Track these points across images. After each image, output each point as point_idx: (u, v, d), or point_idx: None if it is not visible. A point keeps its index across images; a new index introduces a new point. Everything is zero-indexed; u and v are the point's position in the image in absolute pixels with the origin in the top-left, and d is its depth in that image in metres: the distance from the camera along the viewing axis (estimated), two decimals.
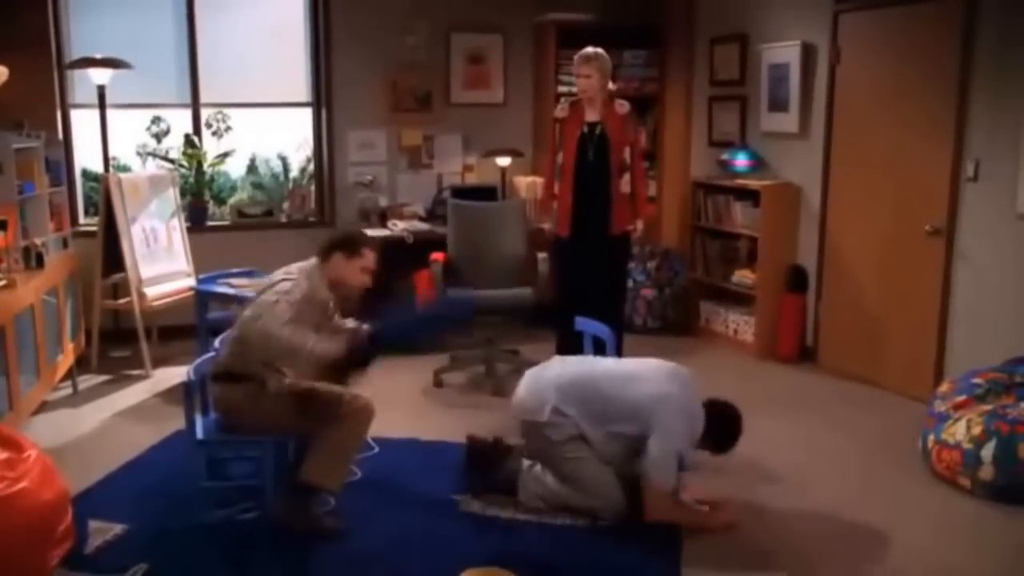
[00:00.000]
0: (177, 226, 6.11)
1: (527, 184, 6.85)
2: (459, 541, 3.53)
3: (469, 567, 3.24)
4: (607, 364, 4.00)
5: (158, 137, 6.53)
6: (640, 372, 3.77)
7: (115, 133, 6.04)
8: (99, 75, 5.75)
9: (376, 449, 4.38)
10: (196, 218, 6.45)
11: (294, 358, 3.57)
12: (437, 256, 5.58)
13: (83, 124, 6.20)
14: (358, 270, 3.78)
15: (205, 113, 6.56)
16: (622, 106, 5.20)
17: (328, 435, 3.56)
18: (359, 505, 3.80)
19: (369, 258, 3.81)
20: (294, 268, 3.75)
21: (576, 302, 5.01)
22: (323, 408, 3.57)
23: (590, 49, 5.09)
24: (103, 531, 3.56)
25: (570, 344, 4.84)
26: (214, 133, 6.61)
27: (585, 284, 5.17)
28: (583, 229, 5.15)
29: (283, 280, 3.64)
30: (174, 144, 6.52)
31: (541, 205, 5.54)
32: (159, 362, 5.77)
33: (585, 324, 4.60)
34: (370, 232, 6.08)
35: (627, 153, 5.18)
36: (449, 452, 4.39)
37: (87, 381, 5.51)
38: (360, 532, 3.58)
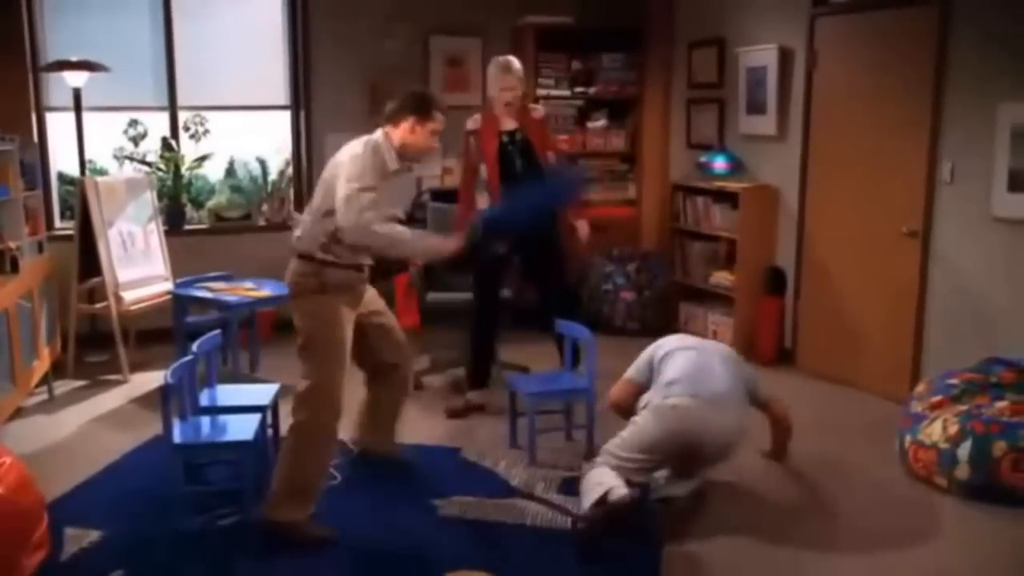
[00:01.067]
0: (154, 230, 6.06)
1: None
2: (440, 544, 3.52)
3: (450, 570, 3.24)
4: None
5: (135, 140, 6.47)
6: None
7: (92, 136, 5.98)
8: (75, 78, 5.70)
9: (356, 453, 4.37)
10: (173, 222, 6.40)
11: (394, 252, 3.64)
12: None
13: (59, 127, 6.15)
14: (428, 134, 3.69)
15: (183, 116, 6.52)
16: (537, 111, 5.12)
17: (284, 468, 3.51)
18: (338, 509, 3.79)
19: (440, 121, 3.71)
20: (358, 145, 3.61)
21: (493, 316, 5.07)
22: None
23: (510, 58, 4.96)
24: (79, 538, 3.53)
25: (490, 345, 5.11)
26: (192, 136, 6.57)
27: (531, 290, 5.23)
28: (519, 241, 4.81)
29: (350, 163, 3.53)
30: (151, 147, 6.47)
31: (456, 221, 5.05)
32: (136, 367, 5.72)
33: (567, 327, 4.59)
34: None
35: (551, 158, 5.06)
36: (428, 455, 4.40)
37: (63, 386, 5.46)
38: (341, 537, 3.56)
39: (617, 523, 3.44)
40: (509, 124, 4.98)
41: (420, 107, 3.67)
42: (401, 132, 3.68)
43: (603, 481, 3.52)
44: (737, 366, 4.01)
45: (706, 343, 4.24)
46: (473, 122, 5.06)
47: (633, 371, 4.12)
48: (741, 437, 3.87)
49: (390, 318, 4.05)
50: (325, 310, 3.58)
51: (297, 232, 3.68)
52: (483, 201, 5.02)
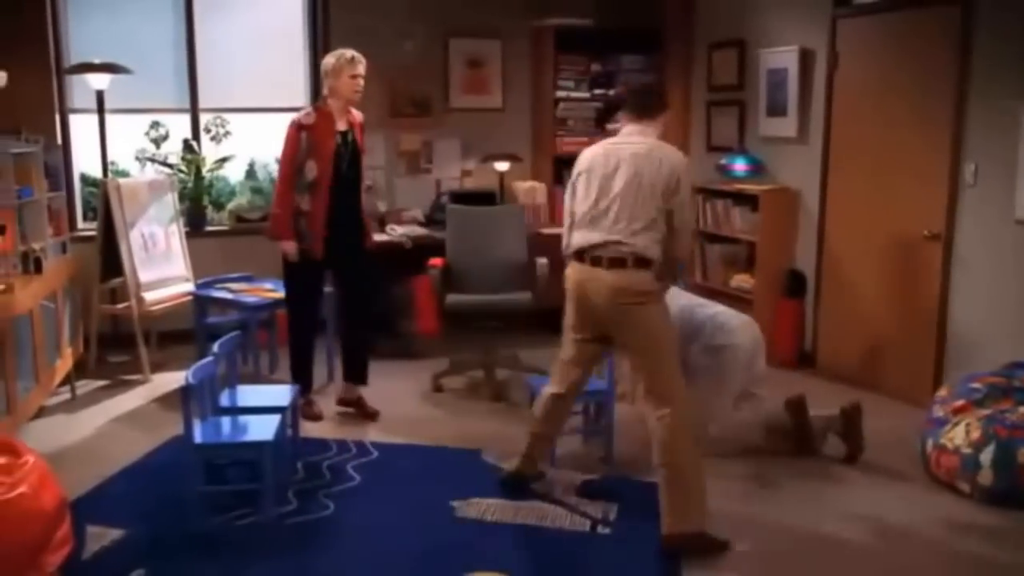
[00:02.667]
0: (176, 231, 6.10)
1: (526, 189, 6.86)
2: (459, 546, 3.52)
3: (469, 572, 3.24)
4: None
5: (157, 142, 6.52)
6: None
7: (114, 138, 6.03)
8: (98, 80, 5.74)
9: (375, 454, 4.39)
10: (195, 223, 6.44)
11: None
12: (436, 262, 5.58)
13: (82, 129, 6.20)
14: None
15: (204, 118, 6.56)
16: (358, 114, 4.91)
17: (675, 473, 3.48)
18: (358, 511, 3.80)
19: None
20: (670, 150, 3.65)
21: (311, 326, 4.97)
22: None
23: (357, 52, 4.72)
24: (101, 536, 3.55)
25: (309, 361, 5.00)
26: (213, 138, 6.61)
27: (340, 303, 5.09)
28: (335, 248, 4.79)
29: (685, 170, 3.65)
30: (173, 149, 6.52)
31: (277, 224, 4.76)
32: (157, 367, 5.76)
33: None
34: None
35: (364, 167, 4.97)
36: (448, 457, 4.40)
37: (85, 386, 5.50)
38: (358, 539, 3.58)
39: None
40: (342, 124, 4.75)
41: (665, 101, 3.83)
42: (658, 128, 3.77)
43: None
44: None
45: None
46: (306, 116, 4.72)
47: None
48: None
49: None
50: (667, 312, 3.68)
51: (628, 240, 3.54)
52: (304, 203, 4.71)
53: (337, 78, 4.65)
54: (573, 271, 3.70)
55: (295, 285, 4.90)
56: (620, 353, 3.87)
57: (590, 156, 3.71)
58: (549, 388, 3.94)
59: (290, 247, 4.75)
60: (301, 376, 4.93)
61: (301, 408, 4.65)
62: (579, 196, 3.68)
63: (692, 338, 4.57)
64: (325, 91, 4.75)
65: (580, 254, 3.64)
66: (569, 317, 3.79)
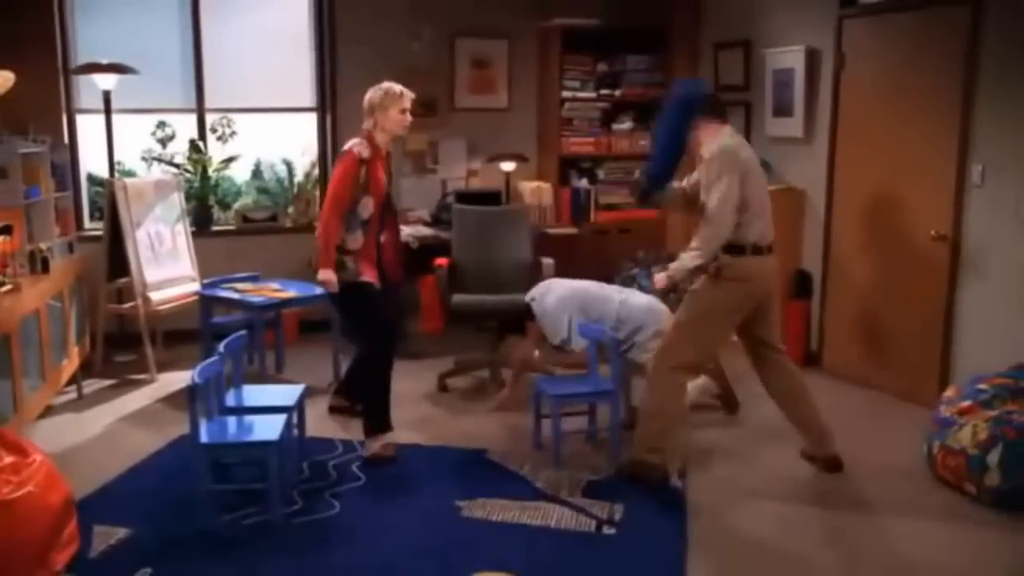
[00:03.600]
0: (182, 231, 6.11)
1: (531, 189, 6.86)
2: (464, 546, 3.52)
3: (474, 572, 3.24)
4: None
5: (163, 142, 6.53)
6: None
7: (120, 138, 6.04)
8: (105, 80, 5.76)
9: None
10: (201, 223, 6.46)
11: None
12: (441, 261, 5.58)
13: (89, 129, 6.22)
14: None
15: (210, 118, 6.57)
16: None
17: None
18: (363, 511, 3.81)
19: None
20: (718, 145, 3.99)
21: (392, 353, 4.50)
22: None
23: (403, 87, 4.49)
24: (107, 535, 3.56)
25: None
26: (219, 138, 6.62)
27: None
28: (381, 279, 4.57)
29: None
30: (179, 149, 6.53)
31: (326, 255, 4.35)
32: (164, 366, 5.77)
33: (588, 330, 4.59)
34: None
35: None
36: (453, 457, 4.40)
37: (92, 385, 5.51)
38: (364, 538, 3.58)
39: None
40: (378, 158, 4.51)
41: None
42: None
43: None
44: None
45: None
46: (362, 147, 4.40)
47: None
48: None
49: None
50: None
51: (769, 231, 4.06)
52: (354, 241, 4.39)
53: (384, 113, 4.39)
54: (760, 264, 4.03)
55: (364, 312, 4.45)
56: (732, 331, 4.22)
57: (744, 151, 4.04)
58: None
59: (332, 277, 4.35)
60: (383, 414, 4.47)
61: (377, 453, 4.35)
62: (751, 188, 3.97)
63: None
64: (368, 125, 4.44)
65: (769, 247, 4.04)
66: (738, 307, 4.06)
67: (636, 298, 4.90)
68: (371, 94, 4.46)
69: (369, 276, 4.44)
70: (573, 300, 4.82)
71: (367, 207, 4.40)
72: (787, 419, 4.27)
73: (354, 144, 4.42)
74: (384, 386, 4.45)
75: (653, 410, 4.09)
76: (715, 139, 4.02)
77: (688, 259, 4.02)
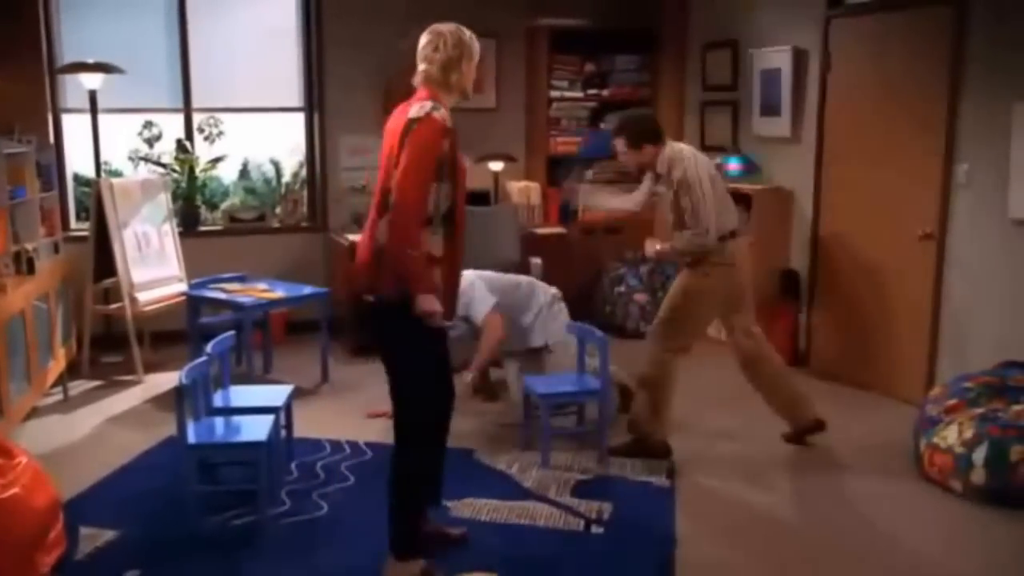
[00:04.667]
0: (169, 231, 6.09)
1: (519, 188, 6.86)
2: (452, 546, 3.51)
3: (461, 572, 3.24)
4: None
5: (150, 142, 6.51)
6: None
7: (107, 138, 6.01)
8: (91, 80, 5.73)
9: (369, 455, 4.39)
10: (188, 223, 6.43)
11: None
12: None
13: (75, 129, 6.19)
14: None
15: (197, 118, 6.55)
16: None
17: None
18: (351, 511, 3.80)
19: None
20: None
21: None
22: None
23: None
24: (94, 537, 3.54)
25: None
26: (206, 138, 6.60)
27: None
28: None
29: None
30: (166, 149, 6.50)
31: (415, 266, 3.01)
32: (151, 367, 5.74)
33: (579, 329, 4.59)
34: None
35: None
36: None
37: (78, 387, 5.48)
38: (352, 538, 3.58)
39: None
40: None
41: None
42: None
43: None
44: None
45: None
46: (444, 114, 3.16)
47: None
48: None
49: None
50: None
51: None
52: (434, 246, 3.10)
53: (470, 63, 3.33)
54: (739, 244, 4.39)
55: (426, 365, 3.19)
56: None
57: (702, 157, 4.36)
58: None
59: (436, 306, 3.06)
60: (415, 529, 3.26)
61: (429, 535, 3.39)
62: (719, 189, 4.31)
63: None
64: (437, 80, 3.26)
65: (736, 232, 4.37)
66: (730, 292, 4.39)
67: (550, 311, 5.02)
68: (449, 36, 3.31)
69: (445, 306, 3.11)
70: (492, 281, 5.03)
71: (447, 198, 3.11)
72: (768, 404, 4.52)
73: (427, 108, 3.09)
74: (423, 478, 3.24)
75: (650, 387, 4.37)
76: (662, 154, 4.31)
77: (690, 235, 4.23)
